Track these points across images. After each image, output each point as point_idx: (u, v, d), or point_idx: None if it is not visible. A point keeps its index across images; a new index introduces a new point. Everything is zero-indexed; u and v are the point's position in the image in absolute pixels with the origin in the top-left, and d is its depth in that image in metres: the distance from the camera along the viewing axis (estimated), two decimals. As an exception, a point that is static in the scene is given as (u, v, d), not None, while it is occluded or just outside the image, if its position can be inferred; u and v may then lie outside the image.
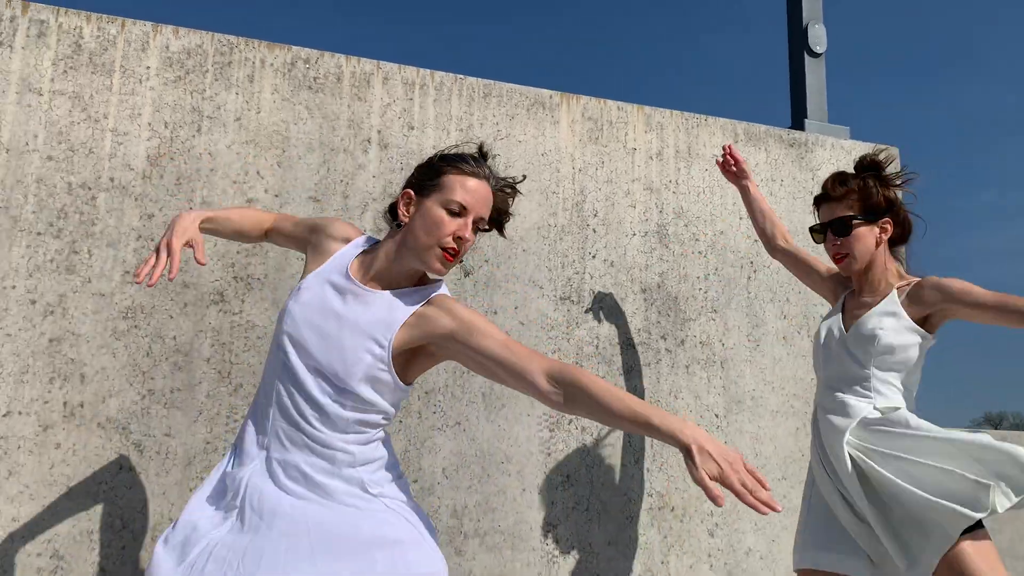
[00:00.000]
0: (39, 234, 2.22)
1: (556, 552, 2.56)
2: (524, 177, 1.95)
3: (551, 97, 2.83)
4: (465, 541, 2.48)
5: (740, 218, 2.96)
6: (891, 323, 2.08)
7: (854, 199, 2.17)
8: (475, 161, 1.72)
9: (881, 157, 2.21)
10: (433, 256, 1.64)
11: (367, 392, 1.61)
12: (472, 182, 1.67)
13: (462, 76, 2.74)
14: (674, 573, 2.66)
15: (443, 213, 1.64)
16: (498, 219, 1.78)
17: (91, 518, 2.16)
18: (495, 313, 2.62)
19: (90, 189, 2.29)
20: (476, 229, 1.69)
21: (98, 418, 2.19)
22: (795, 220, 3.01)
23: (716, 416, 2.80)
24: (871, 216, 2.16)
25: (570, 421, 2.65)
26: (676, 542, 2.68)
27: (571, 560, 2.57)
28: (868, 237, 2.15)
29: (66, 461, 2.16)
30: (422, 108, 2.68)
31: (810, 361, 2.77)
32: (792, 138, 3.13)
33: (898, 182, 2.20)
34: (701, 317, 2.86)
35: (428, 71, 2.71)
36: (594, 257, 2.77)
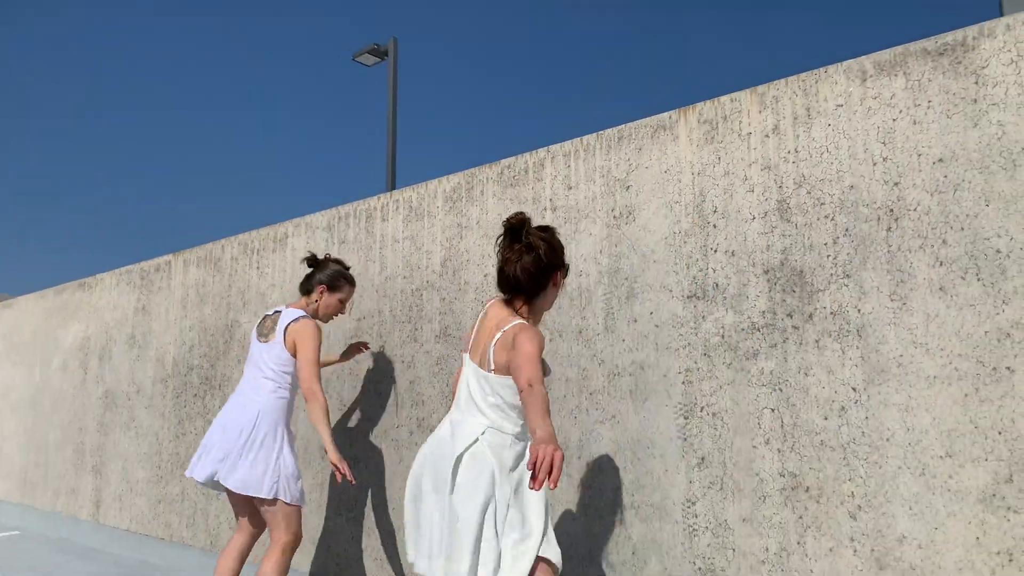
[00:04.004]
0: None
1: (696, 526, 2.87)
2: None
3: (670, 117, 3.14)
4: (624, 512, 3.06)
5: (873, 164, 2.63)
6: None
7: None
8: None
9: None
10: None
11: None
12: None
13: (603, 131, 3.34)
14: (811, 554, 2.61)
15: None
16: None
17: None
18: (635, 321, 3.12)
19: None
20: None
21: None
22: (950, 142, 2.48)
23: (854, 390, 2.58)
24: None
25: (702, 408, 2.91)
26: (812, 523, 2.62)
27: (709, 534, 2.84)
28: None
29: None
30: (576, 171, 3.40)
31: (983, 311, 2.32)
32: (942, 45, 2.54)
33: None
34: (831, 286, 2.67)
35: (580, 139, 3.40)
36: (715, 251, 2.95)
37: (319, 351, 3.35)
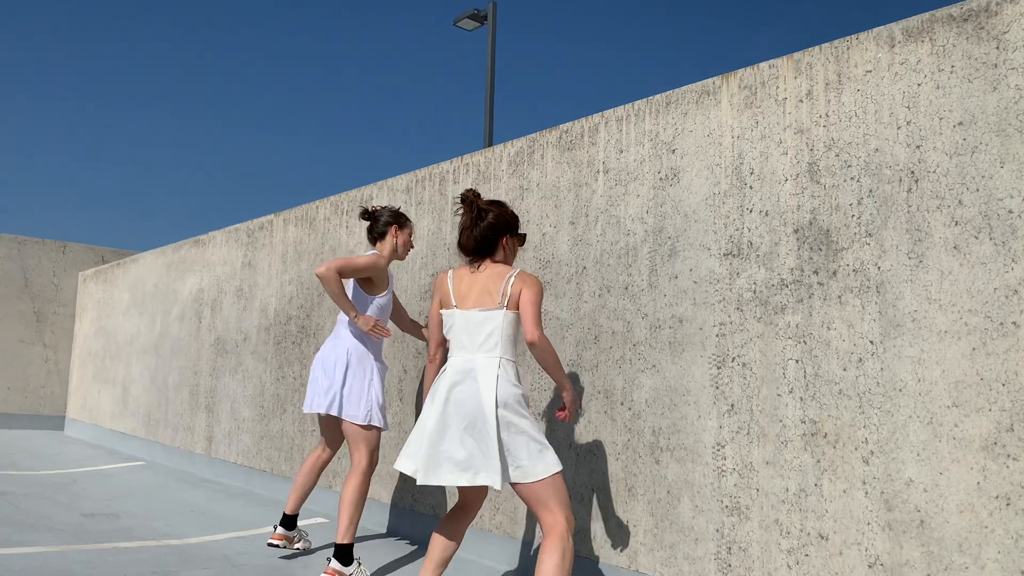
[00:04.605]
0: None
1: (724, 467, 3.09)
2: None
3: (714, 83, 3.30)
4: (662, 454, 3.30)
5: (898, 128, 2.74)
6: None
7: None
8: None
9: None
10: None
11: None
12: None
13: (653, 96, 3.52)
14: (827, 495, 2.79)
15: None
16: None
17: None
18: (676, 277, 3.32)
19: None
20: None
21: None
22: (970, 106, 2.58)
23: (871, 343, 2.73)
24: None
25: (733, 359, 3.11)
26: (829, 467, 2.80)
27: (736, 475, 3.05)
28: None
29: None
30: (627, 134, 3.60)
31: (993, 269, 2.46)
32: (967, 10, 2.62)
33: None
34: (854, 245, 2.81)
35: (632, 104, 3.60)
36: (751, 212, 3.12)
37: (354, 258, 3.67)
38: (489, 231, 2.90)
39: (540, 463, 2.68)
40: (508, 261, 2.99)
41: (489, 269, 2.89)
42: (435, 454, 2.73)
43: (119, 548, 4.03)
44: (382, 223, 3.87)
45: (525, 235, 3.06)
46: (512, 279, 2.83)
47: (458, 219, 2.81)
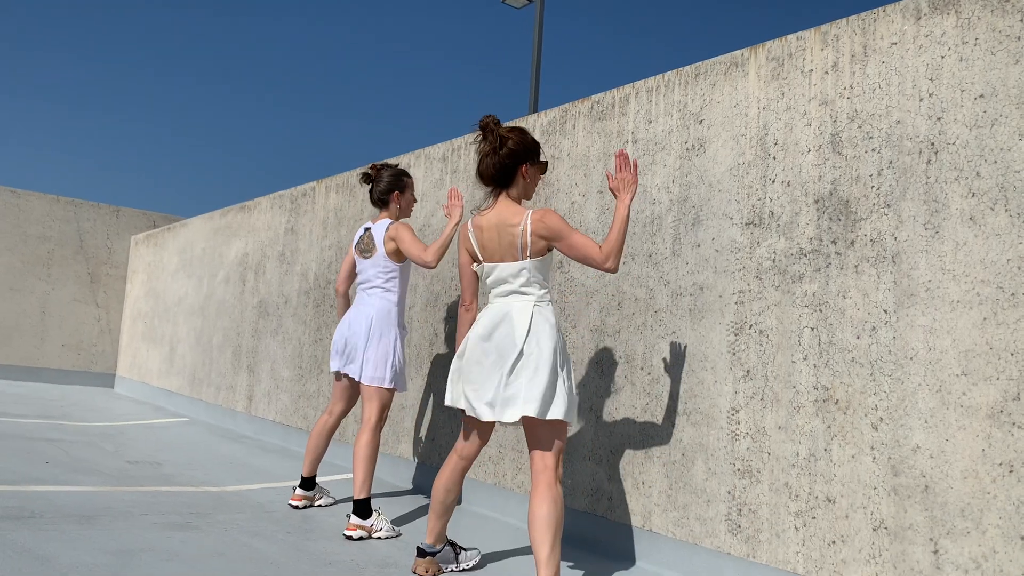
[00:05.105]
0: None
1: (738, 432, 3.16)
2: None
3: (742, 55, 3.34)
4: (678, 417, 3.38)
5: (920, 100, 2.77)
6: None
7: None
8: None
9: None
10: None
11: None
12: None
13: (682, 68, 3.57)
14: (836, 460, 2.85)
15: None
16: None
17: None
18: (698, 246, 3.39)
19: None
20: None
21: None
22: (992, 78, 2.59)
23: (885, 312, 2.78)
24: None
25: (750, 326, 3.17)
26: (839, 432, 2.86)
27: (749, 439, 3.12)
28: None
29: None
30: (656, 105, 3.65)
31: (1007, 240, 2.49)
32: (992, -20, 2.63)
33: None
34: (872, 215, 2.85)
35: (662, 75, 3.65)
36: (773, 182, 3.17)
37: (417, 238, 3.80)
38: (509, 158, 2.88)
39: (555, 406, 2.74)
40: (528, 192, 2.98)
41: (501, 211, 2.88)
42: (477, 393, 2.83)
43: (160, 491, 4.24)
44: (382, 190, 4.00)
45: (546, 163, 3.04)
46: (526, 229, 2.81)
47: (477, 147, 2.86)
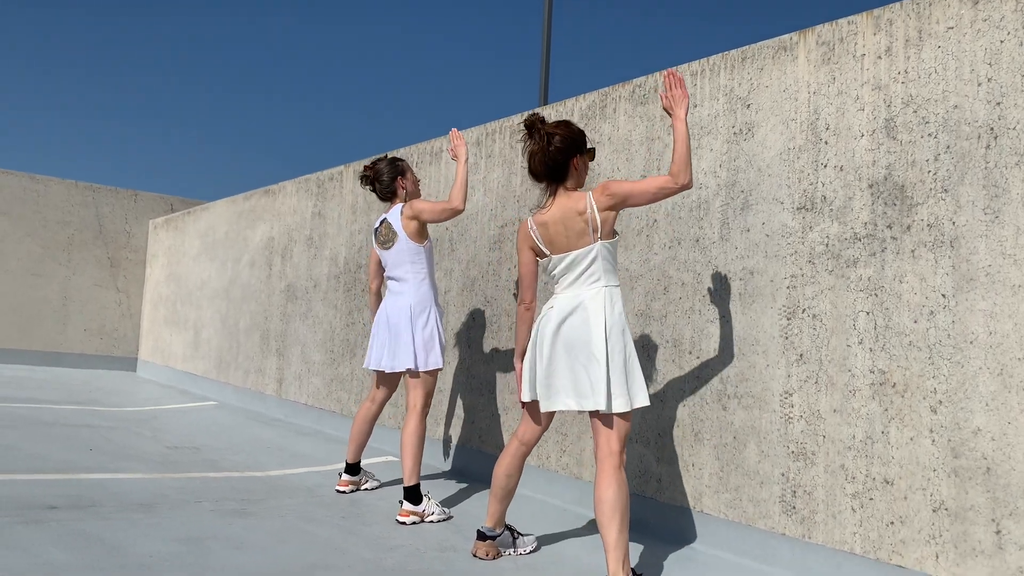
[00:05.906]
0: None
1: (791, 415, 3.20)
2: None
3: (791, 39, 3.34)
4: (729, 400, 3.42)
5: (978, 84, 2.77)
6: None
7: None
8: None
9: None
10: None
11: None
12: None
13: (727, 52, 3.57)
14: (893, 443, 2.89)
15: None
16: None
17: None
18: (748, 230, 3.41)
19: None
20: None
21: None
22: (1054, 62, 2.60)
23: (943, 296, 2.80)
24: None
25: (804, 311, 3.19)
26: (896, 415, 2.89)
27: (803, 422, 3.16)
28: None
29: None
30: (701, 89, 3.66)
31: None
32: (1054, -36, 2.63)
33: None
34: (929, 200, 2.87)
35: (707, 59, 3.65)
36: (825, 167, 3.18)
37: (432, 200, 3.83)
38: (560, 155, 2.91)
39: (622, 397, 2.78)
40: (580, 182, 3.01)
41: (562, 204, 2.90)
42: (551, 384, 2.88)
43: (208, 477, 4.30)
44: (386, 182, 4.08)
45: (594, 149, 3.07)
46: (593, 209, 2.84)
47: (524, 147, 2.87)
